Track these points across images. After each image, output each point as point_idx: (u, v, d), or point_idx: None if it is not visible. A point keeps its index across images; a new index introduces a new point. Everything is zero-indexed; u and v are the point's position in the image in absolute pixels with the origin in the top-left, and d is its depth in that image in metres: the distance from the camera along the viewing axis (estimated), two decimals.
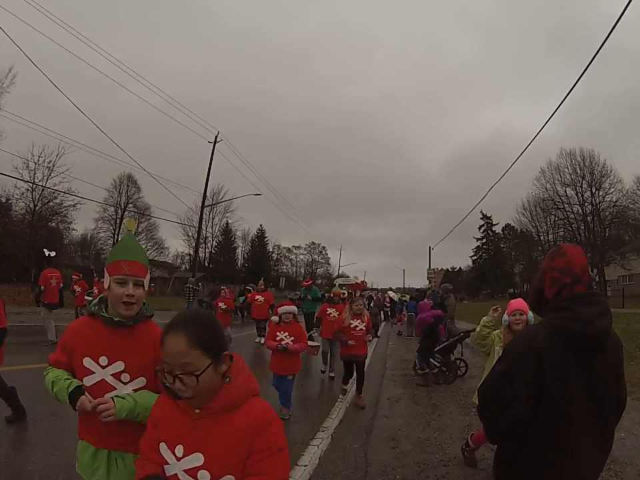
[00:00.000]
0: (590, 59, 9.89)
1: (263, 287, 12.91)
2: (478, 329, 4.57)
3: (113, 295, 1.81)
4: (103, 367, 1.82)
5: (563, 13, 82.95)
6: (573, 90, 11.35)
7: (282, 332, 5.69)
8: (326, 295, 12.83)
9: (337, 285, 45.09)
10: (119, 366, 1.83)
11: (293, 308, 5.94)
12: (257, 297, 12.77)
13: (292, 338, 5.62)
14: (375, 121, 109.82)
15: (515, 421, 1.61)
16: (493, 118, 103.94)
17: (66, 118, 30.71)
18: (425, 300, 10.97)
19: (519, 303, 4.14)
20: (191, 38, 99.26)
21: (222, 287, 14.03)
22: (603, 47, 9.29)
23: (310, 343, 6.78)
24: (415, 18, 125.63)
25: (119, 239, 2.04)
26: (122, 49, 64.64)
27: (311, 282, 14.38)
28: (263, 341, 10.71)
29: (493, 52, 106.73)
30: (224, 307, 12.00)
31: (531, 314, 3.98)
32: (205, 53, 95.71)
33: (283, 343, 5.58)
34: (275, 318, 5.93)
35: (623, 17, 8.47)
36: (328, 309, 8.68)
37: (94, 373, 1.82)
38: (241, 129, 75.66)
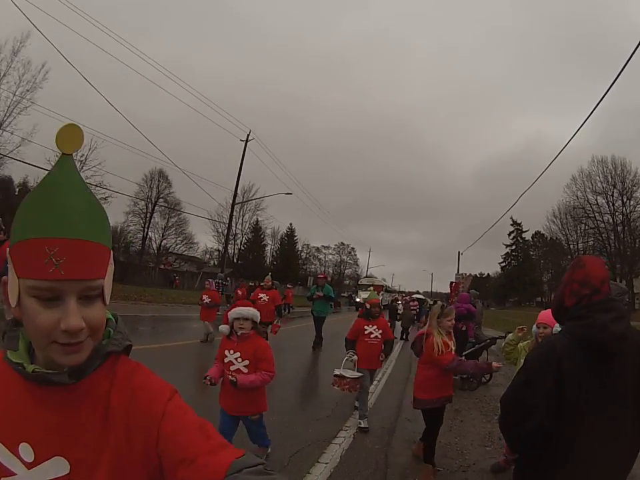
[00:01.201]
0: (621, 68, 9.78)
1: (269, 283, 10.89)
2: (503, 344, 4.60)
3: (32, 325, 0.81)
4: (28, 466, 0.83)
5: (594, 23, 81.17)
6: (606, 98, 11.20)
7: (232, 351, 3.67)
8: (354, 298, 11.68)
9: (361, 284, 45.22)
10: (58, 466, 0.83)
11: (251, 312, 3.76)
12: (260, 295, 10.59)
13: (246, 362, 3.63)
14: (409, 128, 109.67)
15: (537, 429, 1.65)
16: (525, 126, 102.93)
17: (99, 114, 31.43)
18: (465, 293, 10.86)
19: (543, 316, 4.14)
20: (231, 43, 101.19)
21: (207, 280, 12.79)
22: (633, 56, 9.15)
23: (348, 373, 5.22)
24: (450, 29, 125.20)
25: (44, 178, 0.82)
26: (163, 51, 66.22)
27: (324, 277, 13.08)
28: None
29: (526, 61, 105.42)
30: (207, 300, 11.02)
31: (557, 326, 3.98)
32: (244, 58, 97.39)
33: (230, 373, 3.59)
34: (223, 328, 3.83)
35: None
36: (366, 326, 5.77)
37: (14, 475, 0.83)
38: (275, 132, 76.28)
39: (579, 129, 13.63)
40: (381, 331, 5.77)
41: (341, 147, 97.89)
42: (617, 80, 10.21)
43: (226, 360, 3.68)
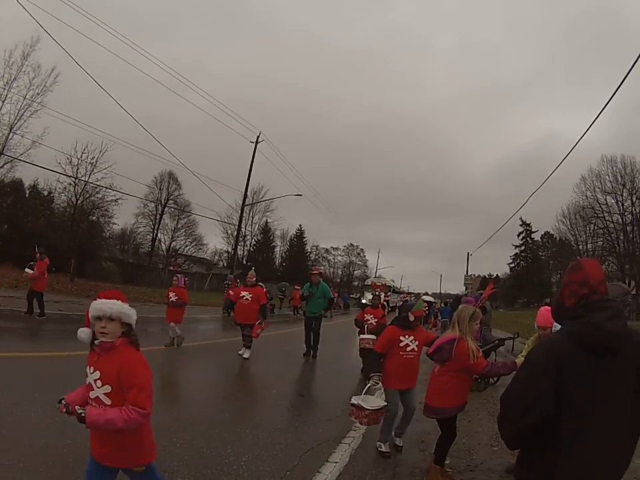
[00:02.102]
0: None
1: (252, 279, 9.43)
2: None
3: None
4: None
5: (611, 20, 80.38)
6: (621, 97, 11.19)
7: (92, 369, 2.41)
8: (363, 301, 10.28)
9: (367, 284, 44.62)
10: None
11: (117, 307, 2.41)
12: (243, 293, 9.34)
13: (106, 388, 2.35)
14: (427, 126, 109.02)
15: (535, 424, 1.72)
16: (540, 125, 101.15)
17: (110, 117, 31.84)
18: (470, 297, 10.79)
19: (539, 318, 4.22)
20: (248, 42, 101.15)
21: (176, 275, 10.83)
22: None
23: (369, 400, 4.51)
24: (469, 28, 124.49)
25: None
26: (177, 53, 66.84)
27: (319, 273, 11.21)
28: (248, 355, 9.15)
29: (544, 60, 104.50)
30: (174, 298, 9.65)
31: (555, 326, 4.02)
32: (261, 58, 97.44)
33: (90, 401, 2.39)
34: (82, 332, 2.46)
35: None
36: (402, 337, 4.73)
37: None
38: (290, 131, 76.48)
39: (588, 129, 13.65)
40: (417, 343, 4.77)
41: (356, 146, 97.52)
42: (628, 78, 10.17)
43: (87, 381, 2.43)
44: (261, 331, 9.21)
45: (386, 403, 4.54)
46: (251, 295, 9.16)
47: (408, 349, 4.71)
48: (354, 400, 4.46)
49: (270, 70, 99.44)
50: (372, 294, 10.04)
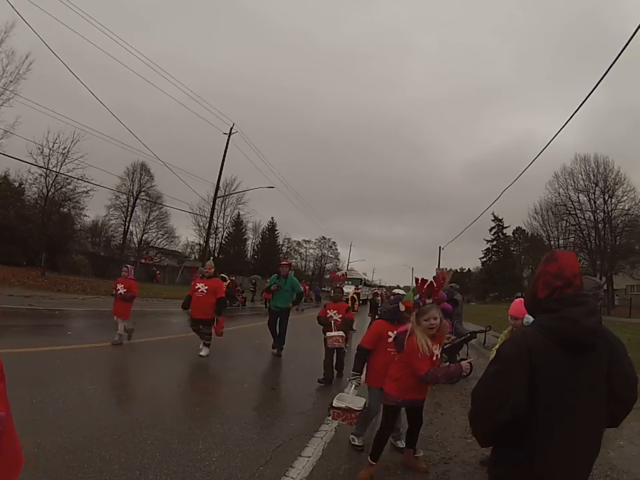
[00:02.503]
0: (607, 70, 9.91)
1: (211, 270, 8.71)
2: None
3: None
4: None
5: (590, 25, 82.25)
6: (595, 99, 11.38)
7: None
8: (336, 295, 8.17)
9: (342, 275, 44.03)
10: None
11: None
12: (199, 285, 8.50)
13: None
14: (405, 124, 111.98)
15: (508, 420, 1.67)
16: (516, 125, 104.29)
17: (84, 107, 31.19)
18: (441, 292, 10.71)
19: (512, 308, 4.27)
20: (231, 35, 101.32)
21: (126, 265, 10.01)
22: (621, 58, 9.29)
23: (347, 399, 4.28)
24: (451, 30, 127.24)
25: None
26: (159, 43, 65.86)
27: (288, 264, 10.26)
28: (206, 353, 8.45)
29: (523, 62, 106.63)
30: (122, 290, 8.78)
31: (527, 317, 4.03)
32: (243, 50, 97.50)
33: None
34: None
35: None
36: (390, 332, 4.43)
37: None
38: (267, 125, 76.48)
39: (562, 127, 13.90)
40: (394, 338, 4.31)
41: (332, 141, 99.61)
42: (604, 82, 10.33)
43: None
44: (222, 329, 8.70)
45: (364, 405, 4.27)
46: (206, 287, 8.41)
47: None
48: (340, 403, 4.19)
49: (252, 64, 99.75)
50: (335, 287, 9.10)
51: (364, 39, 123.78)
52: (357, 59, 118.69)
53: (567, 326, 1.67)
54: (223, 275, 14.43)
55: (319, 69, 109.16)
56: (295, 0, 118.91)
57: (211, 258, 9.25)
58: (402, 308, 4.43)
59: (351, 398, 4.29)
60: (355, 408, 4.16)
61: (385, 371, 4.18)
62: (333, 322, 7.61)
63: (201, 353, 8.39)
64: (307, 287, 31.58)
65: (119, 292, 8.76)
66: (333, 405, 4.21)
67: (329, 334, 7.40)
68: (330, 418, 4.39)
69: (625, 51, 9.06)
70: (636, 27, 8.57)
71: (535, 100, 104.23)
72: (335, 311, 7.79)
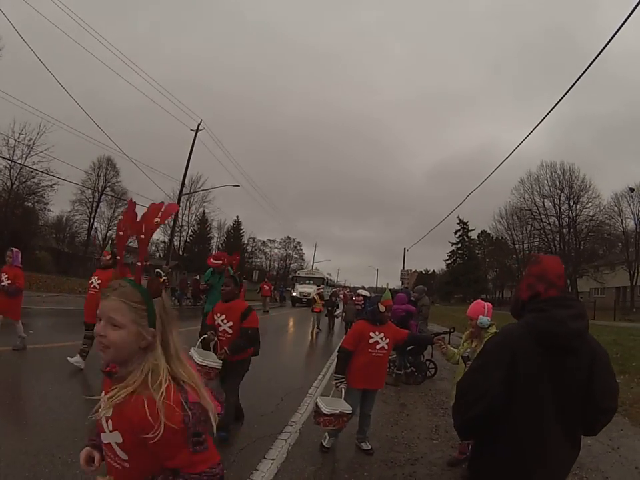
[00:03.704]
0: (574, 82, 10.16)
1: (107, 257, 6.64)
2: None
3: None
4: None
5: (558, 38, 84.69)
6: (561, 108, 11.60)
7: None
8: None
9: (298, 276, 43.42)
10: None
11: None
12: (92, 279, 6.54)
13: None
14: (373, 126, 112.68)
15: (485, 414, 1.69)
16: (483, 133, 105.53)
17: (50, 97, 30.19)
18: (401, 293, 10.66)
19: (468, 310, 4.34)
20: (202, 29, 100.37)
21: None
22: (588, 72, 9.54)
23: (326, 401, 4.12)
24: (423, 38, 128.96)
25: None
26: (129, 34, 64.91)
27: (223, 260, 7.25)
28: (74, 360, 6.29)
29: (491, 72, 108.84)
30: (6, 282, 6.71)
31: (481, 318, 4.07)
32: (213, 44, 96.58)
33: None
34: None
35: (610, 44, 8.72)
36: (372, 333, 4.37)
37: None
38: (235, 120, 76.15)
39: (528, 135, 14.50)
40: (388, 341, 4.41)
41: (299, 140, 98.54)
42: (571, 93, 10.56)
43: None
44: None
45: (350, 411, 4.10)
46: (99, 281, 6.35)
47: (377, 346, 4.35)
48: (331, 410, 3.96)
49: (221, 57, 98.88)
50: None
51: (337, 40, 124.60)
52: (331, 59, 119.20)
53: (553, 326, 1.68)
54: (158, 269, 13.63)
55: (288, 64, 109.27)
56: None
57: (109, 242, 7.60)
58: (382, 309, 4.39)
59: (336, 402, 4.13)
60: (347, 412, 4.04)
61: (365, 371, 4.29)
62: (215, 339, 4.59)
63: (71, 359, 6.31)
64: (272, 287, 31.43)
65: (2, 284, 6.71)
66: (325, 412, 3.97)
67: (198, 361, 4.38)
68: (320, 426, 4.15)
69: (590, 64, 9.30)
70: (604, 44, 8.80)
71: (501, 108, 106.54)
72: (224, 317, 4.61)
